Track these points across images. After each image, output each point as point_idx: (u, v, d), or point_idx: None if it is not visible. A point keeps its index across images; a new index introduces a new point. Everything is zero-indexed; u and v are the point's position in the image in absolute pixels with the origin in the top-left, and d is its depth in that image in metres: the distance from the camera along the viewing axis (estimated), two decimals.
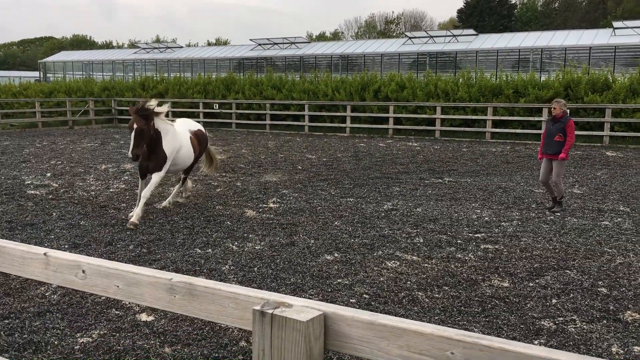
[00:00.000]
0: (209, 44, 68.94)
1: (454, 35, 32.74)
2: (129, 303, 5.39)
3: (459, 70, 27.46)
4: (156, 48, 45.54)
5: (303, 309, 1.47)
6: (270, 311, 1.47)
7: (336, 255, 7.11)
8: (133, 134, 8.31)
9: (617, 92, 20.16)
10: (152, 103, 8.82)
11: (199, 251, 7.28)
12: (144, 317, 5.18)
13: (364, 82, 25.51)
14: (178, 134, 9.39)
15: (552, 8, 65.85)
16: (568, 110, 9.94)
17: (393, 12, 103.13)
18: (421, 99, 23.49)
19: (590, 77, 21.17)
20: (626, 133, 19.43)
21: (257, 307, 1.49)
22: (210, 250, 7.33)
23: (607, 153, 17.33)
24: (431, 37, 33.51)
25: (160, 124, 8.99)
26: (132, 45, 61.43)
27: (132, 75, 41.76)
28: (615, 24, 29.21)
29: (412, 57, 32.92)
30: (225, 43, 70.91)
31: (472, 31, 33.40)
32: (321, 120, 25.60)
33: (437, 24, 73.65)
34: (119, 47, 71.45)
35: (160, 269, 6.16)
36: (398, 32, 69.07)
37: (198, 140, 10.03)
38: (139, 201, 8.87)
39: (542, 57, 29.04)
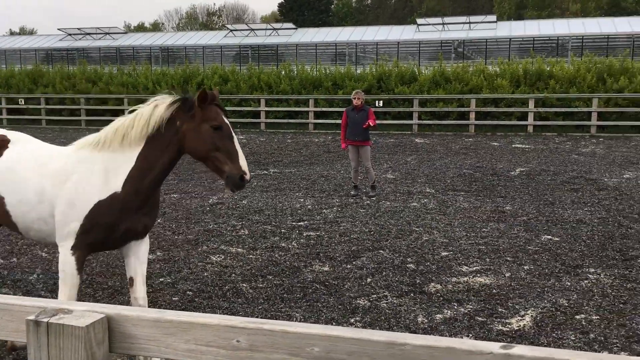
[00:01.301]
0: (12, 33, 62.56)
1: (275, 29, 33.35)
2: None
3: (280, 63, 28.04)
4: None
5: (84, 313, 1.39)
6: (45, 320, 1.36)
7: (158, 254, 6.89)
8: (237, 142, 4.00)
9: (422, 83, 22.01)
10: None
11: (1, 261, 6.59)
12: None
13: (187, 74, 24.98)
14: None
15: (365, 5, 69.84)
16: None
17: (215, 4, 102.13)
18: (245, 92, 23.60)
19: (399, 70, 22.86)
20: (432, 121, 21.31)
21: (32, 317, 1.38)
22: (15, 259, 6.68)
23: (416, 140, 18.86)
24: (252, 30, 33.78)
25: None
26: None
27: None
28: (419, 20, 31.86)
29: (235, 50, 32.93)
30: (32, 32, 64.86)
31: (291, 25, 34.28)
32: None
33: (260, 17, 74.43)
34: None
35: None
36: (220, 24, 68.54)
37: None
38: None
39: (357, 51, 30.74)
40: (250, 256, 6.81)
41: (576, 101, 19.98)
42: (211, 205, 9.48)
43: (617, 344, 4.46)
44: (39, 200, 3.96)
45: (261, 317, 4.97)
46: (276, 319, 4.88)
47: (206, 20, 72.52)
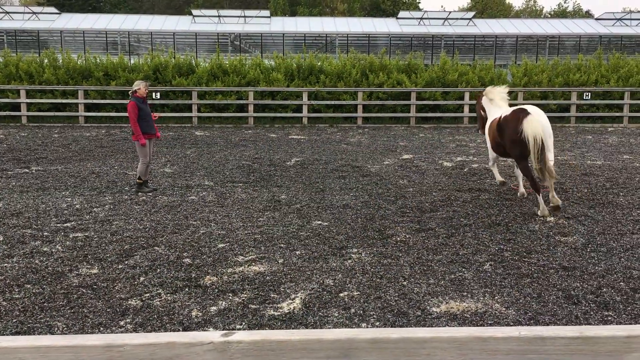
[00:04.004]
0: None
1: (35, 13, 30.27)
2: None
3: (43, 51, 25.57)
4: None
5: None
6: None
7: None
8: None
9: (200, 75, 21.82)
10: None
11: None
12: None
13: None
14: None
15: None
16: None
17: None
18: (0, 82, 21.06)
19: (177, 62, 22.37)
20: (211, 114, 21.26)
21: None
22: None
23: (196, 133, 18.66)
24: (7, 13, 30.24)
25: None
26: None
27: None
28: (195, 12, 31.53)
29: None
30: None
31: (54, 9, 31.44)
32: None
33: (18, 0, 66.98)
34: None
35: None
36: None
37: None
38: None
39: (130, 40, 29.33)
40: (5, 264, 6.10)
41: (344, 94, 21.56)
42: None
43: (374, 315, 4.91)
44: None
45: (16, 331, 4.49)
46: (34, 332, 4.45)
47: None
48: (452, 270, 6.03)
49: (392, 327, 4.74)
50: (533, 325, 4.72)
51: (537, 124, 8.20)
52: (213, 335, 1.17)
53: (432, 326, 4.71)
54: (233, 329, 4.62)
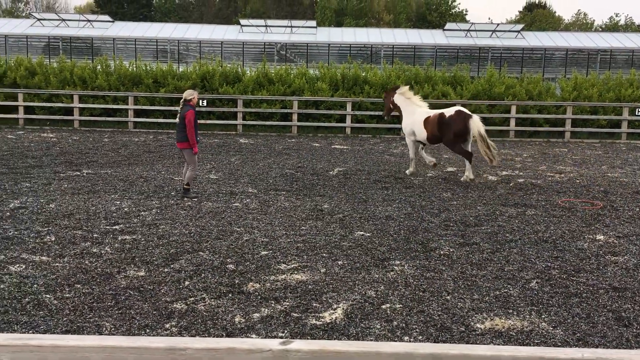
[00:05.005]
0: None
1: (89, 21, 31.31)
2: None
3: (96, 57, 26.39)
4: None
5: None
6: None
7: None
8: None
9: (246, 84, 22.12)
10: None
11: None
12: None
13: None
14: None
15: (189, 2, 68.49)
16: None
17: None
18: (56, 87, 21.81)
19: (223, 70, 22.74)
20: (256, 122, 21.50)
21: None
22: None
23: (240, 140, 18.91)
24: (64, 20, 31.38)
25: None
26: None
27: None
28: (242, 21, 32.03)
29: (44, 41, 30.32)
30: None
31: (107, 17, 32.48)
32: None
33: (73, 8, 69.46)
34: None
35: None
36: (28, 12, 62.68)
37: None
38: None
39: (179, 49, 30.01)
40: (57, 264, 6.29)
41: None
42: (12, 210, 8.60)
43: (417, 329, 4.87)
44: None
45: (66, 330, 4.62)
46: (83, 331, 4.57)
47: (11, 7, 65.86)
48: (497, 286, 5.93)
49: (434, 342, 4.68)
50: (582, 347, 4.59)
51: (479, 122, 11.22)
52: (272, 343, 1.19)
53: (476, 343, 4.63)
54: (275, 337, 4.65)
